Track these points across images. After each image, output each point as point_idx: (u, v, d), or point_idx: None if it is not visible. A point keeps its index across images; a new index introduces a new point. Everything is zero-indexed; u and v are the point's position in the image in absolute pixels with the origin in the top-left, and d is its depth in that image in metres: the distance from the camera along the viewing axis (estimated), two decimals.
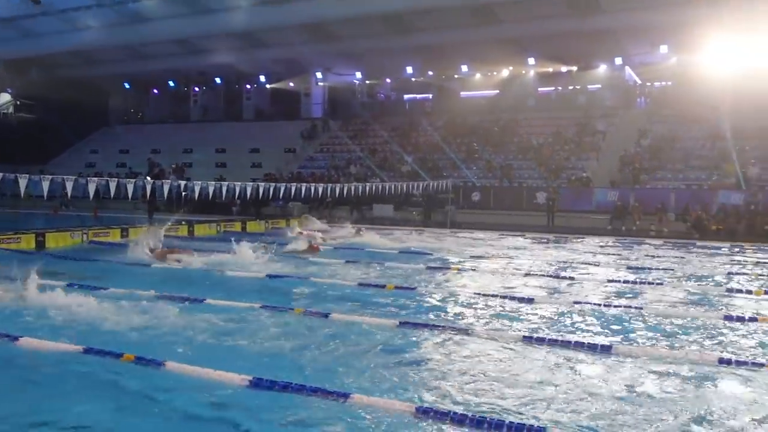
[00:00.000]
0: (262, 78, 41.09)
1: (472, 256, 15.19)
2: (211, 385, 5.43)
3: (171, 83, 43.46)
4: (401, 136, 35.07)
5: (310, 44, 34.74)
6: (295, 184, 21.64)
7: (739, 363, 6.15)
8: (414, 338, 7.20)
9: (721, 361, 6.21)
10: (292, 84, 41.10)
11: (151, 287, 9.45)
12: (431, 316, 8.38)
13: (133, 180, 16.80)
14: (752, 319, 8.18)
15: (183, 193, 22.79)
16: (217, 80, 42.54)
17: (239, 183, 18.47)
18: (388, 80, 39.93)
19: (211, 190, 16.85)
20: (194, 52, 37.15)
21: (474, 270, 12.76)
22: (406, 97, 41.21)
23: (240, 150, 37.21)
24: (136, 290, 9.35)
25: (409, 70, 36.83)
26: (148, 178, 20.56)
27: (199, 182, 17.67)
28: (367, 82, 40.15)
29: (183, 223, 19.04)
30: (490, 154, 31.39)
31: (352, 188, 21.87)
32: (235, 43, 35.41)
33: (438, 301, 9.59)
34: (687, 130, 28.70)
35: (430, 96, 40.26)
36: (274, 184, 20.21)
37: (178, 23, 33.53)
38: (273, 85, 41.60)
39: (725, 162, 25.34)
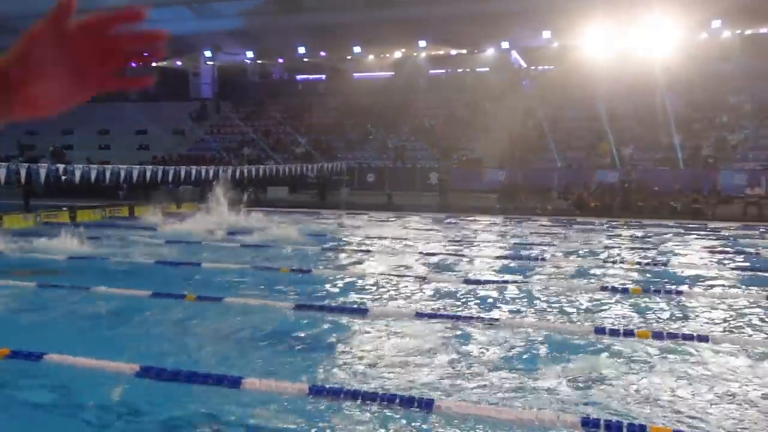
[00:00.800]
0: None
1: (367, 236, 15.34)
2: (97, 375, 5.21)
3: None
4: (295, 117, 34.70)
5: (196, 21, 33.47)
6: (184, 167, 20.92)
7: (613, 332, 6.61)
8: (310, 320, 7.21)
9: (597, 330, 6.65)
10: (179, 63, 39.51)
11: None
12: (327, 298, 8.42)
13: (5, 164, 15.64)
14: (624, 290, 8.80)
15: (63, 177, 21.45)
16: None
17: (125, 166, 17.63)
18: (280, 60, 39.27)
19: (93, 174, 15.98)
20: None
21: (368, 251, 12.90)
22: (299, 77, 40.74)
23: (125, 132, 35.45)
24: (15, 281, 8.76)
25: (302, 50, 36.38)
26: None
27: (81, 166, 16.70)
28: (259, 62, 39.30)
29: (64, 208, 17.96)
30: (384, 136, 31.70)
31: (245, 170, 21.43)
32: None
33: (333, 282, 9.63)
34: (568, 113, 30.21)
35: (324, 77, 40.03)
36: (162, 167, 19.45)
37: None
38: (159, 64, 39.78)
39: (602, 142, 26.93)
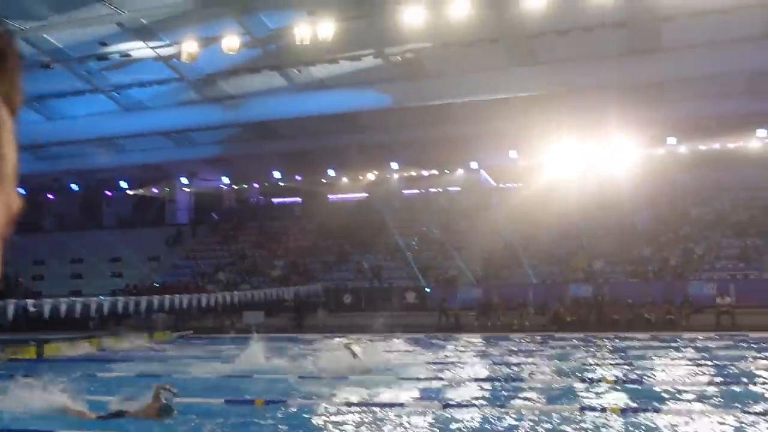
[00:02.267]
0: (124, 184, 39.70)
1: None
2: None
3: (21, 190, 40.79)
4: (271, 240, 34.98)
5: (174, 150, 34.34)
6: (157, 296, 20.72)
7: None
8: None
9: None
10: (155, 190, 40.12)
11: None
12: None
13: None
14: (603, 410, 8.71)
15: (33, 310, 21.04)
16: (74, 187, 40.60)
17: (95, 298, 17.44)
18: (256, 185, 40.10)
19: (63, 307, 15.77)
20: (45, 158, 35.35)
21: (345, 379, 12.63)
22: (275, 201, 41.48)
23: (99, 259, 35.26)
24: None
25: (277, 175, 37.30)
26: None
27: (50, 300, 16.50)
28: (235, 187, 40.09)
29: (31, 343, 17.49)
30: (361, 256, 31.97)
31: (220, 297, 21.31)
32: (91, 148, 34.16)
33: (311, 414, 9.39)
34: (538, 229, 30.93)
35: (300, 200, 40.81)
36: (134, 298, 19.26)
37: (26, 129, 32.08)
38: (135, 192, 40.38)
39: (573, 258, 27.45)
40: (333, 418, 8.90)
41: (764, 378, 11.39)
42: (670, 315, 21.66)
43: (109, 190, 40.85)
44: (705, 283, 24.42)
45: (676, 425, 7.94)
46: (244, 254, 33.88)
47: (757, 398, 9.65)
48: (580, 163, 31.73)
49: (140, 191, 40.08)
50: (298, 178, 38.13)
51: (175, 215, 39.67)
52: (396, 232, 33.58)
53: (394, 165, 35.90)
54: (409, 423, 8.43)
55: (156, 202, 40.50)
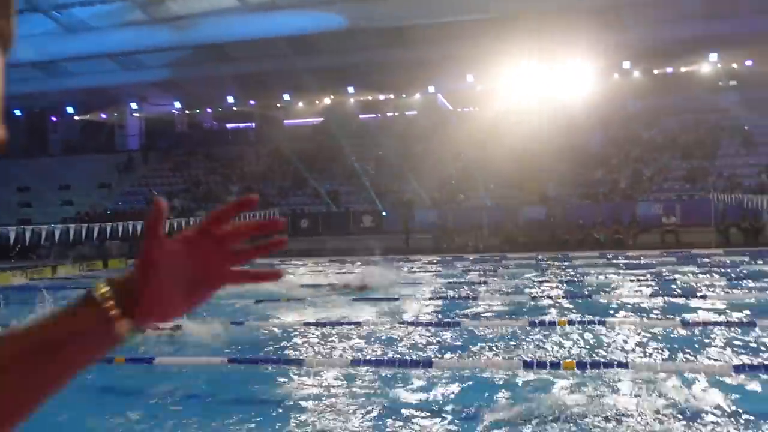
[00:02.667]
0: (70, 109, 38.25)
1: (302, 285, 15.29)
2: None
3: None
4: (226, 166, 34.50)
5: (121, 73, 33.06)
6: (110, 223, 20.43)
7: (540, 365, 6.85)
8: (244, 375, 7.15)
9: (526, 365, 6.87)
10: (104, 115, 38.81)
11: None
12: (261, 351, 8.37)
13: None
14: (551, 323, 9.12)
15: None
16: (17, 112, 38.93)
17: (45, 225, 17.10)
18: (209, 110, 39.14)
19: (12, 235, 15.44)
20: None
21: (304, 299, 12.86)
22: (228, 126, 40.66)
23: (47, 187, 34.30)
24: None
25: (230, 99, 36.41)
26: None
27: None
28: (187, 112, 39.05)
29: None
30: (317, 181, 31.89)
31: (175, 223, 21.10)
32: (33, 72, 32.70)
33: (268, 334, 9.58)
34: (494, 152, 31.19)
35: (254, 125, 40.08)
36: (86, 225, 18.94)
37: None
38: (82, 117, 39.00)
39: (528, 181, 27.91)
40: (294, 339, 9.11)
41: (704, 291, 12.01)
42: (618, 235, 22.41)
43: (55, 116, 39.35)
44: (652, 204, 25.25)
45: (620, 335, 8.38)
46: (198, 180, 33.42)
47: (696, 309, 10.21)
48: (536, 87, 31.80)
49: (87, 116, 38.72)
50: (252, 102, 37.31)
51: (125, 141, 38.62)
52: (352, 156, 33.45)
53: (350, 89, 35.38)
54: (366, 340, 8.69)
55: (105, 128, 39.27)
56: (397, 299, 12.26)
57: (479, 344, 8.25)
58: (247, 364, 7.49)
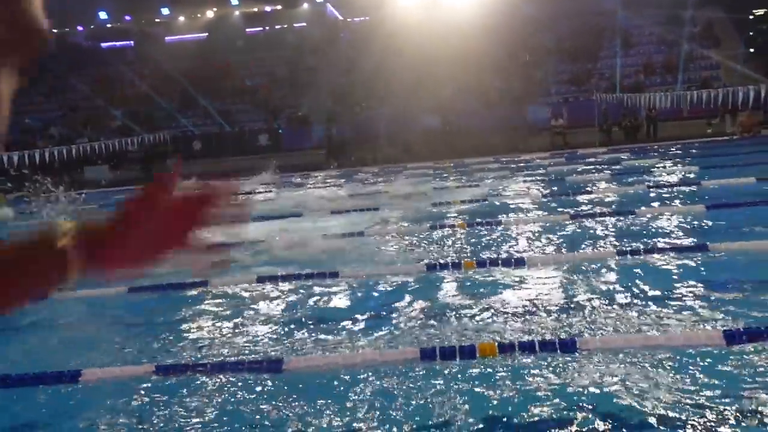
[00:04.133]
0: None
1: None
2: None
3: None
4: (105, 89, 32.33)
5: None
6: None
7: (442, 266, 7.09)
8: (146, 302, 6.98)
9: (429, 267, 7.10)
10: None
11: None
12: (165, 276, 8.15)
13: None
14: (451, 226, 9.42)
15: None
16: None
17: None
18: (80, 28, 36.13)
19: None
20: None
21: None
22: (104, 45, 37.84)
23: None
24: None
25: (103, 15, 33.72)
26: None
27: None
28: (55, 30, 35.85)
29: None
30: (207, 101, 30.61)
31: (56, 152, 19.79)
32: None
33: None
34: (388, 62, 30.92)
35: (132, 43, 37.51)
36: None
37: None
38: None
39: (423, 89, 27.99)
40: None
41: (590, 188, 12.73)
42: (511, 139, 23.16)
43: None
44: (541, 107, 26.13)
45: (515, 233, 8.80)
46: (76, 106, 31.24)
47: (584, 204, 10.85)
48: None
49: None
50: (127, 18, 34.73)
51: None
52: (242, 73, 32.19)
53: (234, 0, 33.62)
54: (270, 257, 8.65)
55: None
56: (300, 215, 12.22)
57: (383, 252, 8.42)
58: (149, 293, 7.30)
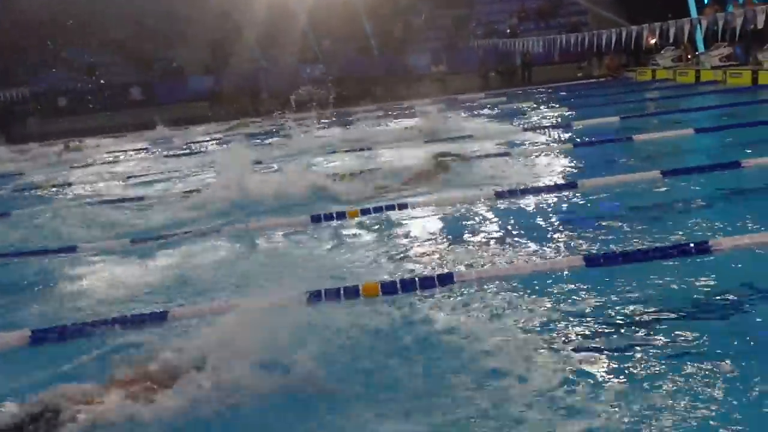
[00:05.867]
0: None
1: (73, 167, 14.04)
2: None
3: None
4: None
5: None
6: None
7: (327, 217, 7.08)
8: (15, 268, 6.52)
9: (313, 219, 7.06)
10: None
11: None
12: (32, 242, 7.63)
13: None
14: (335, 176, 9.40)
15: None
16: None
17: None
18: None
19: None
20: None
21: (69, 184, 11.84)
22: None
23: None
24: None
25: None
26: None
27: None
28: None
29: None
30: (72, 53, 28.43)
31: None
32: None
33: (36, 225, 8.72)
34: (265, 11, 29.92)
35: None
36: None
37: None
38: None
39: (303, 39, 27.41)
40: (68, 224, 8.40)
41: (469, 132, 13.09)
42: (393, 86, 23.30)
43: None
44: (421, 54, 26.36)
45: (397, 177, 8.91)
46: None
47: (463, 147, 11.19)
48: None
49: None
50: None
51: None
52: (109, 23, 30.03)
53: None
54: (146, 217, 8.30)
55: None
56: (176, 174, 11.77)
57: (263, 207, 8.25)
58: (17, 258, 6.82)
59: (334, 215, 7.10)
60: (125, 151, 16.62)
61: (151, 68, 27.27)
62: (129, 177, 11.78)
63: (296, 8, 28.08)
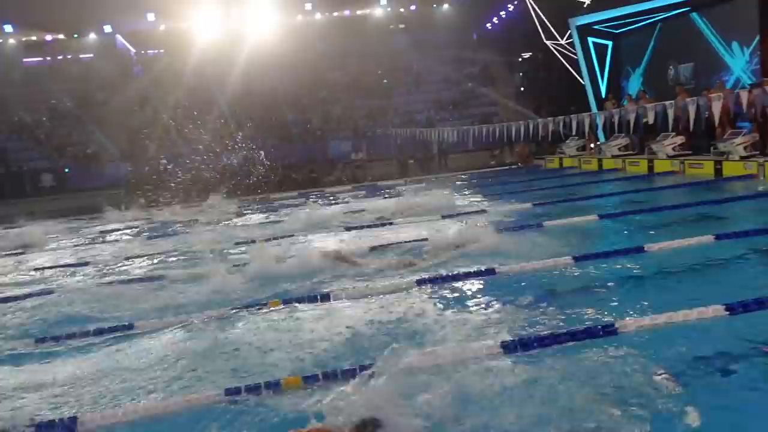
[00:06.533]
0: None
1: None
2: None
3: None
4: None
5: None
6: None
7: (247, 306, 6.96)
8: None
9: (234, 308, 6.92)
10: None
11: None
12: None
13: None
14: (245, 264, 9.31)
15: None
16: None
17: None
18: None
19: None
20: None
21: None
22: None
23: None
24: None
25: None
26: None
27: None
28: None
29: None
30: None
31: None
32: None
33: None
34: (185, 98, 30.07)
35: None
36: None
37: None
38: None
39: (222, 126, 27.58)
40: None
41: (387, 218, 13.34)
42: (313, 173, 23.57)
43: None
44: (341, 142, 26.99)
45: (320, 266, 8.90)
46: None
47: (376, 227, 11.38)
48: (224, 28, 31.16)
49: None
50: None
51: None
52: (20, 107, 29.32)
53: (8, 27, 30.67)
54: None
55: None
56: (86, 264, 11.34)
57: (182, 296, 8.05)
58: None
59: (255, 304, 6.99)
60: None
61: (64, 154, 26.58)
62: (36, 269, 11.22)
63: (217, 97, 28.38)
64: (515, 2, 29.46)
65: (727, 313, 5.09)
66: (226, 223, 15.33)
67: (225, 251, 10.91)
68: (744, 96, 14.17)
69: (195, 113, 28.97)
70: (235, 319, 6.63)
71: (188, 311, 7.17)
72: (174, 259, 10.89)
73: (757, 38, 17.43)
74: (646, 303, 5.77)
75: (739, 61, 18.42)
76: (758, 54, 17.43)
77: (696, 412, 3.72)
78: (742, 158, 14.85)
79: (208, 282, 8.33)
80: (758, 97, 13.93)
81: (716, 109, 14.92)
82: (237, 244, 11.70)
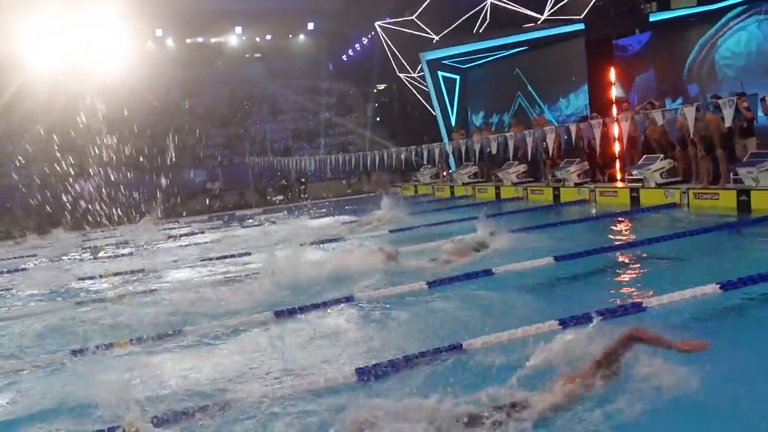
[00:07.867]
0: None
1: None
2: None
3: None
4: None
5: None
6: None
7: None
8: None
9: (75, 352, 6.53)
10: None
11: None
12: None
13: None
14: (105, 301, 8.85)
15: None
16: None
17: None
18: None
19: None
20: None
21: None
22: None
23: None
24: None
25: None
26: None
27: None
28: None
29: None
30: None
31: None
32: None
33: None
34: (25, 126, 27.98)
35: None
36: None
37: None
38: None
39: (67, 155, 25.89)
40: None
41: (236, 240, 13.19)
42: (168, 204, 22.77)
43: None
44: (197, 171, 26.29)
45: (176, 300, 8.63)
46: None
47: (234, 257, 11.20)
48: (69, 51, 29.30)
49: None
50: None
51: None
52: None
53: None
54: None
55: None
56: None
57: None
58: None
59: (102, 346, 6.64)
60: None
61: None
62: None
63: (60, 125, 26.61)
64: (369, 36, 30.42)
65: (561, 326, 5.61)
66: (71, 257, 14.39)
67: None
68: (573, 129, 15.60)
69: (35, 142, 26.99)
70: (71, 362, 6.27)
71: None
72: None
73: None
74: (491, 322, 6.18)
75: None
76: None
77: None
78: (576, 185, 16.30)
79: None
80: (585, 131, 15.38)
81: (550, 140, 16.31)
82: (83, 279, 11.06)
